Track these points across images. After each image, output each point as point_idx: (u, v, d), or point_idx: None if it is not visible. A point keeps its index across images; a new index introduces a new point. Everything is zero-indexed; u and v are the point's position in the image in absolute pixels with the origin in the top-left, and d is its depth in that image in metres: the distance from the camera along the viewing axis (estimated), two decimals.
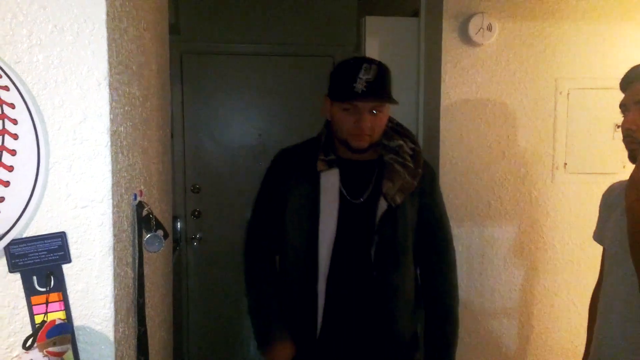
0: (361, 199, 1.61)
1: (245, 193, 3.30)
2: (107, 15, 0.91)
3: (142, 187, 1.23)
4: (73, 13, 0.89)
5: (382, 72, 1.54)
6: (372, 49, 2.34)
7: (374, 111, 1.54)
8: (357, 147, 1.57)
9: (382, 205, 1.59)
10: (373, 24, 2.38)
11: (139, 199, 1.16)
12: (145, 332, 1.14)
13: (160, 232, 1.18)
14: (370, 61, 1.56)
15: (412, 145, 1.67)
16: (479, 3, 2.14)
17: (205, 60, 3.25)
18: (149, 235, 1.13)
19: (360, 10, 3.25)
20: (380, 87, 1.53)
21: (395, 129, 1.70)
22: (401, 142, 1.65)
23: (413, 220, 1.66)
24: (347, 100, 1.54)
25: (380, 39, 2.37)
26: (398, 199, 1.58)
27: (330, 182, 1.59)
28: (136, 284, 1.12)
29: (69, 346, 0.89)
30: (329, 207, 1.58)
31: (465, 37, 2.14)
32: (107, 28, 0.91)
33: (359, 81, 1.50)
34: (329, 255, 1.58)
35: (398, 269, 1.64)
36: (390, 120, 1.69)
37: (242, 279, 1.72)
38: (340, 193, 1.60)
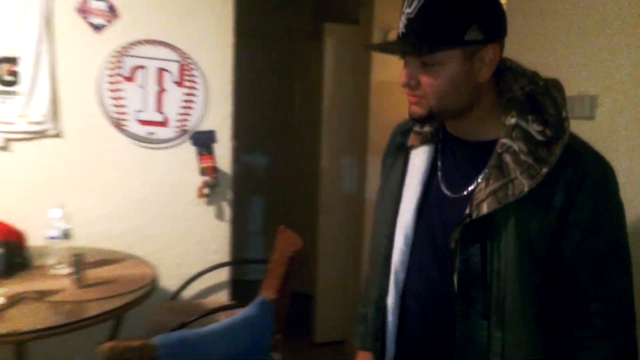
0: (464, 193, 1.08)
1: None
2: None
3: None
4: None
5: (431, 3, 0.96)
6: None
7: (425, 62, 0.99)
8: (410, 114, 1.08)
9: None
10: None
11: None
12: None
13: None
14: None
15: (540, 128, 1.01)
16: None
17: None
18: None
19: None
20: (419, 27, 0.96)
21: (514, 98, 1.05)
22: (516, 119, 1.03)
23: (539, 250, 1.01)
24: (381, 47, 1.23)
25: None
26: (484, 208, 1.00)
27: (417, 163, 1.15)
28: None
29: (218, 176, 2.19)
30: (410, 196, 1.15)
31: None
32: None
33: (401, 18, 0.99)
34: (404, 262, 1.15)
35: (502, 322, 0.99)
36: (515, 74, 1.06)
37: None
38: (429, 180, 1.14)
